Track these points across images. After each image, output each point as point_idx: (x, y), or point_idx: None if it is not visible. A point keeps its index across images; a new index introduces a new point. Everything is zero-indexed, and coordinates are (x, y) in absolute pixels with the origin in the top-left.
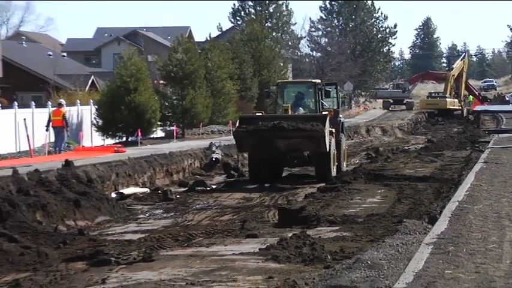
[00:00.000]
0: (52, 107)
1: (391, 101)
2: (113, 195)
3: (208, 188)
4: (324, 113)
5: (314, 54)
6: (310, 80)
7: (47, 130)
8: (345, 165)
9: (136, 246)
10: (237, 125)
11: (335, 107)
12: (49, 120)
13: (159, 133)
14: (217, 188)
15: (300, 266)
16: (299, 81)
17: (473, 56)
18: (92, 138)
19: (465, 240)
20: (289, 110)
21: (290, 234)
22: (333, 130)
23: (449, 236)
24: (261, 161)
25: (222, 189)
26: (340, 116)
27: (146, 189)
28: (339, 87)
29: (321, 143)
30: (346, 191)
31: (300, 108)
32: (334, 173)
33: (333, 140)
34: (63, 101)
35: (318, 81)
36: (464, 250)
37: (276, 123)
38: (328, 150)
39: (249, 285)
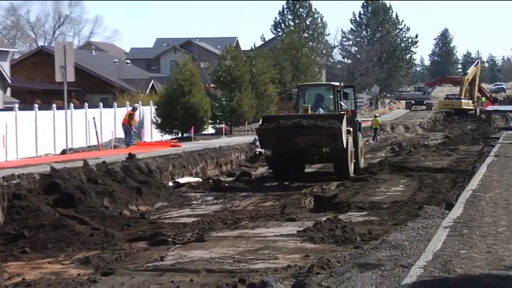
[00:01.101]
0: (117, 107)
1: (413, 102)
2: (170, 183)
3: (242, 185)
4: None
5: (345, 61)
6: (329, 82)
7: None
8: (362, 162)
9: (190, 228)
10: (260, 123)
11: (352, 108)
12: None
13: (210, 130)
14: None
15: (332, 246)
16: (319, 83)
17: (486, 63)
18: (151, 134)
19: (478, 224)
20: (309, 110)
21: (324, 219)
22: (351, 129)
23: (464, 220)
24: (283, 159)
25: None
26: (358, 117)
27: (199, 179)
28: (366, 90)
29: (338, 140)
30: (373, 180)
31: (320, 109)
32: (352, 169)
33: (351, 139)
34: (136, 106)
35: (337, 83)
36: (477, 233)
37: (295, 121)
38: (345, 147)
39: (288, 262)
